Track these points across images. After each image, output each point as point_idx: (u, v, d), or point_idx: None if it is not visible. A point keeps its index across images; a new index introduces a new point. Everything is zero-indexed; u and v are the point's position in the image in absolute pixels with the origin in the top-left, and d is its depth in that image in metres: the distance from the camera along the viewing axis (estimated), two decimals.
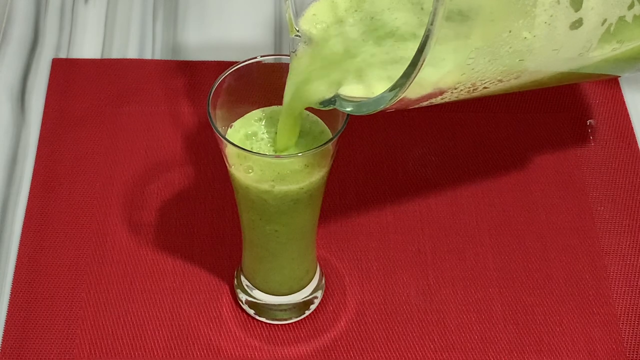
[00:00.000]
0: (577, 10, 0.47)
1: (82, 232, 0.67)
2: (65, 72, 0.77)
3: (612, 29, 0.49)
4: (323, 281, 0.64)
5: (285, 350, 0.62)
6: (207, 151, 0.72)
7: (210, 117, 0.53)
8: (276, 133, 0.55)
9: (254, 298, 0.63)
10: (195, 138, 0.73)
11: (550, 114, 0.75)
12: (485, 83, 0.47)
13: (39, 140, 0.72)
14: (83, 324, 0.62)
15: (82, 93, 0.75)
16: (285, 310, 0.63)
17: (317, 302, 0.64)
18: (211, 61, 0.78)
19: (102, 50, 0.79)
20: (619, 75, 0.59)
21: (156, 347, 0.62)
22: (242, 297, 0.63)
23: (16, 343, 0.61)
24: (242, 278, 0.63)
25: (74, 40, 0.80)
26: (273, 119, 0.56)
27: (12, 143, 0.72)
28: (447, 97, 0.47)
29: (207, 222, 0.68)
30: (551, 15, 0.46)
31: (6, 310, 0.63)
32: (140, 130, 0.73)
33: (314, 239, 0.61)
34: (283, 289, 0.62)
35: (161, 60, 0.79)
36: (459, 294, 0.65)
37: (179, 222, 0.68)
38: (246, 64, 0.55)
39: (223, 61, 0.78)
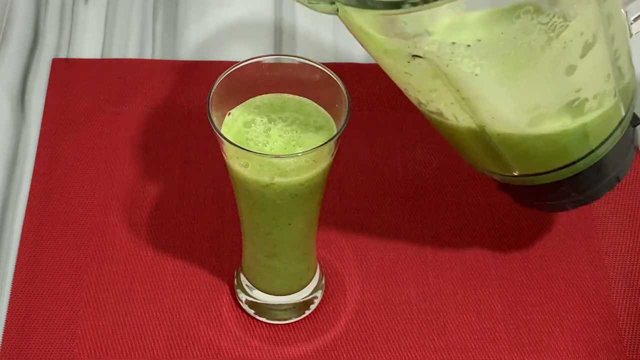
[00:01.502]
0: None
1: (82, 232, 0.67)
2: (65, 72, 0.77)
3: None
4: (323, 281, 0.64)
5: (285, 350, 0.62)
6: (207, 151, 0.72)
7: (209, 114, 0.53)
8: (275, 120, 0.54)
9: (254, 298, 0.63)
10: (195, 138, 0.73)
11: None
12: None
13: (39, 140, 0.72)
14: (83, 324, 0.62)
15: (82, 93, 0.75)
16: (285, 310, 0.63)
17: (317, 302, 0.64)
18: (211, 61, 0.78)
19: (102, 50, 0.80)
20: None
21: (156, 347, 0.62)
22: (242, 297, 0.63)
23: (16, 343, 0.61)
24: (242, 278, 0.63)
25: (74, 40, 0.80)
26: (273, 106, 0.55)
27: (12, 143, 0.72)
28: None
29: (207, 222, 0.68)
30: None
31: (6, 310, 0.63)
32: (140, 130, 0.73)
33: (313, 238, 0.61)
34: (283, 289, 0.62)
35: (161, 60, 0.79)
36: (458, 294, 0.65)
37: (179, 222, 0.68)
38: (247, 64, 0.55)
39: (223, 61, 0.78)
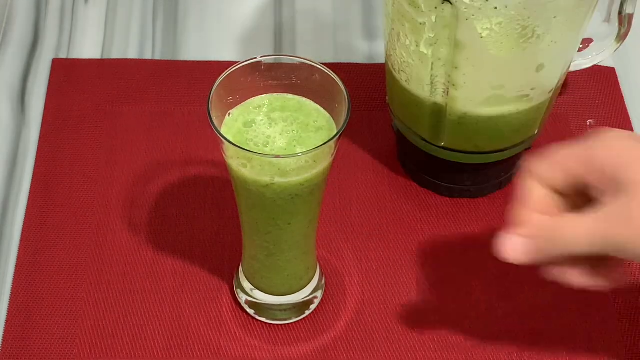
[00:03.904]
0: None
1: (82, 232, 0.67)
2: (65, 72, 0.77)
3: None
4: (323, 281, 0.64)
5: (285, 350, 0.62)
6: (207, 151, 0.72)
7: (209, 114, 0.53)
8: (275, 120, 0.54)
9: (254, 298, 0.63)
10: (195, 138, 0.73)
11: (550, 114, 0.75)
12: None
13: (39, 140, 0.72)
14: (83, 324, 0.62)
15: (82, 93, 0.75)
16: (285, 310, 0.63)
17: (317, 302, 0.64)
18: (211, 61, 0.78)
19: (102, 50, 0.80)
20: None
21: (156, 347, 0.62)
22: (242, 297, 0.63)
23: (16, 343, 0.61)
24: (242, 278, 0.63)
25: (74, 40, 0.80)
26: (273, 106, 0.55)
27: (12, 143, 0.72)
28: None
29: (207, 222, 0.68)
30: None
31: (6, 310, 0.63)
32: (140, 130, 0.73)
33: (313, 238, 0.61)
34: (283, 289, 0.62)
35: (161, 60, 0.79)
36: (458, 294, 0.65)
37: (179, 222, 0.68)
38: (247, 64, 0.55)
39: (223, 61, 0.78)
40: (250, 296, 0.63)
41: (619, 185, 0.49)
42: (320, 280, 0.64)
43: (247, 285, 0.63)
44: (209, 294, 0.64)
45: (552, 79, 0.62)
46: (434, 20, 0.58)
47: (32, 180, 0.70)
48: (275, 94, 0.55)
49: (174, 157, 0.72)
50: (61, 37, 0.80)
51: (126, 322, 0.63)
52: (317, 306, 0.64)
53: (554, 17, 0.56)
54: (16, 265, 0.65)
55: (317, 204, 0.58)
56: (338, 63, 0.78)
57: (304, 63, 0.55)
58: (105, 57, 0.79)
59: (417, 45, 0.60)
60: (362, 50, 0.81)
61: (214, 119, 0.53)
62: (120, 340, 0.62)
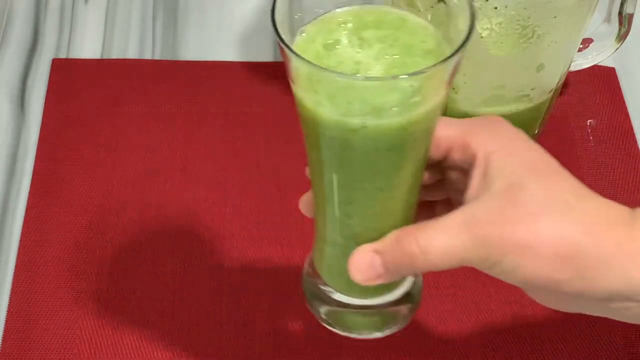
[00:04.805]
0: None
1: (82, 232, 0.67)
2: (65, 72, 0.77)
3: None
4: (420, 282, 0.51)
5: (287, 353, 0.62)
6: (207, 151, 0.72)
7: (275, 24, 0.39)
8: (368, 41, 0.40)
9: (335, 304, 0.49)
10: (195, 138, 0.73)
11: (550, 114, 0.75)
12: None
13: (39, 140, 0.72)
14: (83, 324, 0.62)
15: (82, 93, 0.75)
16: (367, 316, 0.50)
17: (408, 314, 0.50)
18: (211, 61, 0.78)
19: (101, 50, 0.80)
20: None
21: (156, 347, 0.62)
22: (322, 309, 0.49)
23: (16, 343, 0.61)
24: (318, 282, 0.49)
25: (73, 40, 0.80)
26: (364, 21, 0.41)
27: (12, 143, 0.72)
28: None
29: (207, 222, 0.68)
30: None
31: (6, 310, 0.63)
32: (140, 130, 0.73)
33: (413, 213, 0.46)
34: (364, 288, 0.47)
35: (161, 60, 0.79)
36: (458, 294, 0.65)
37: (179, 222, 0.68)
38: None
39: (223, 61, 0.78)
40: (331, 302, 0.48)
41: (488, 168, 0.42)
42: (416, 282, 0.50)
43: (325, 289, 0.48)
44: (209, 294, 0.64)
45: (552, 78, 0.63)
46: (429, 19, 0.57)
47: (32, 180, 0.70)
48: (366, 6, 0.42)
49: (174, 157, 0.72)
50: (61, 37, 0.80)
51: (126, 322, 0.63)
52: (409, 319, 0.51)
53: (554, 17, 0.57)
54: (16, 265, 0.65)
55: (422, 161, 0.43)
56: None
57: None
58: (105, 57, 0.79)
59: None
60: None
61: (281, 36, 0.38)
62: (120, 340, 0.62)
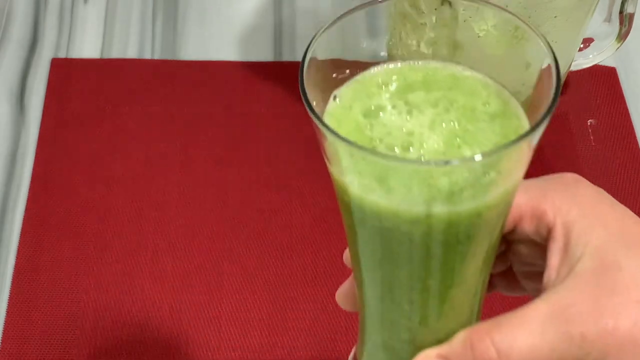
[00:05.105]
0: None
1: (82, 232, 0.67)
2: (65, 72, 0.77)
3: None
4: None
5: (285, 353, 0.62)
6: (207, 151, 0.72)
7: (304, 94, 0.32)
8: (418, 106, 0.31)
9: None
10: (195, 138, 0.73)
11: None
12: None
13: (39, 140, 0.72)
14: (83, 324, 0.62)
15: (81, 93, 0.75)
16: None
17: None
18: (211, 61, 0.78)
19: (101, 50, 0.79)
20: None
21: (156, 347, 0.61)
22: None
23: (16, 343, 0.61)
24: None
25: (73, 40, 0.80)
26: (408, 81, 0.33)
27: (11, 143, 0.72)
28: None
29: (207, 222, 0.68)
30: None
31: (6, 310, 0.63)
32: (140, 129, 0.73)
33: (479, 307, 0.38)
34: None
35: (161, 60, 0.79)
36: None
37: (179, 222, 0.68)
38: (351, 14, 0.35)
39: (223, 61, 0.78)
40: None
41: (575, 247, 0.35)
42: None
43: None
44: (209, 294, 0.64)
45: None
46: (432, 22, 0.58)
47: (31, 180, 0.70)
48: (410, 62, 0.35)
49: (174, 157, 0.71)
50: (60, 37, 0.80)
51: (126, 322, 0.63)
52: None
53: (555, 17, 0.56)
54: (16, 265, 0.65)
55: (496, 246, 0.35)
56: None
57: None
58: (104, 56, 0.79)
59: (418, 45, 0.60)
60: (363, 50, 0.81)
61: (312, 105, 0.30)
62: (120, 341, 0.62)
